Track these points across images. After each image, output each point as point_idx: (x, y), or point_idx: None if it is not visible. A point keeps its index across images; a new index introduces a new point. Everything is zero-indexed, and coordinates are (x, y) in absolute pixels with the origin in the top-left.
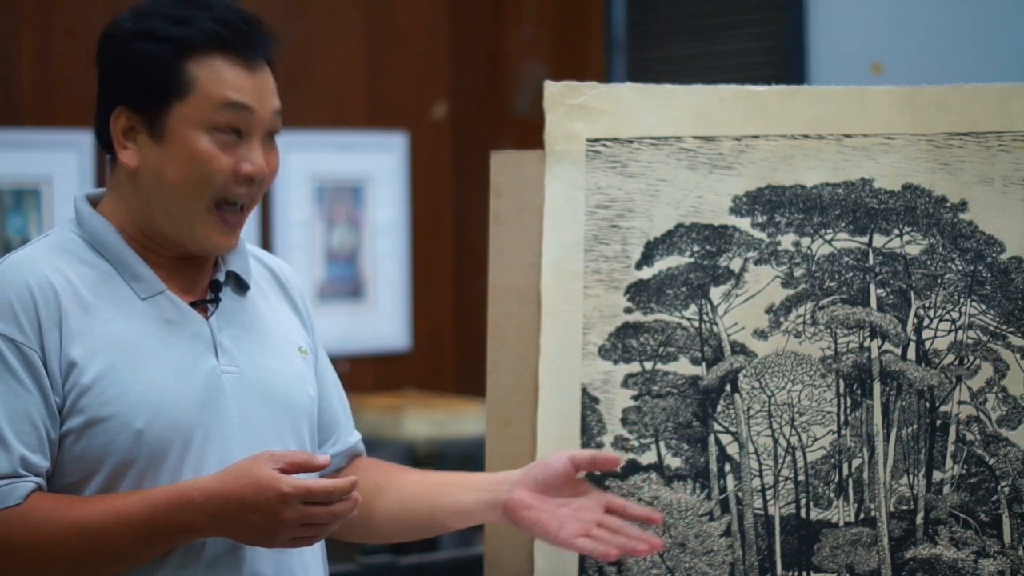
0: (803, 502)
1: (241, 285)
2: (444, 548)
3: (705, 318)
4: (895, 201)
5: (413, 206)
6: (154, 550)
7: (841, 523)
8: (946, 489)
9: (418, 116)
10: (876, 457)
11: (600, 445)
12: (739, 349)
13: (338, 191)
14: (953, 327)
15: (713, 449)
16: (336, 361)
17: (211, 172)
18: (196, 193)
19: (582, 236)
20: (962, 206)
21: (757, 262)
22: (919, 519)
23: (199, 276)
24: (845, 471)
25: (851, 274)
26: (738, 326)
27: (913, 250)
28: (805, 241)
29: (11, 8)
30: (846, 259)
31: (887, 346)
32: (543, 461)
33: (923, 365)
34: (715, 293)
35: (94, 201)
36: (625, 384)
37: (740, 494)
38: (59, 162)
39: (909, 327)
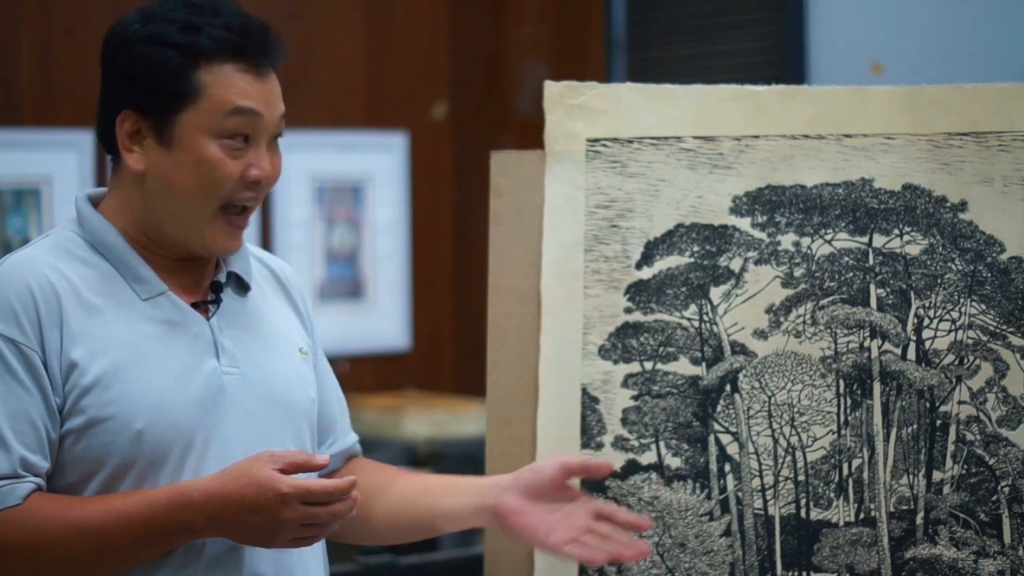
0: (803, 502)
1: (242, 286)
2: (444, 548)
3: (705, 318)
4: (895, 201)
5: (413, 206)
6: (154, 550)
7: (841, 523)
8: (946, 489)
9: (418, 116)
10: (876, 457)
11: (600, 445)
12: (739, 349)
13: (338, 191)
14: (953, 327)
15: (713, 449)
16: (336, 361)
17: (220, 178)
18: (204, 198)
19: (582, 236)
20: (962, 206)
21: (757, 262)
22: (919, 519)
23: (200, 277)
24: (845, 471)
25: (851, 274)
26: (738, 326)
27: (913, 250)
28: (805, 241)
29: (11, 8)
30: (846, 259)
31: (887, 346)
32: (534, 466)
33: (923, 365)
34: (715, 293)
35: (95, 201)
36: (625, 384)
37: (740, 494)
38: (59, 162)
39: (909, 327)
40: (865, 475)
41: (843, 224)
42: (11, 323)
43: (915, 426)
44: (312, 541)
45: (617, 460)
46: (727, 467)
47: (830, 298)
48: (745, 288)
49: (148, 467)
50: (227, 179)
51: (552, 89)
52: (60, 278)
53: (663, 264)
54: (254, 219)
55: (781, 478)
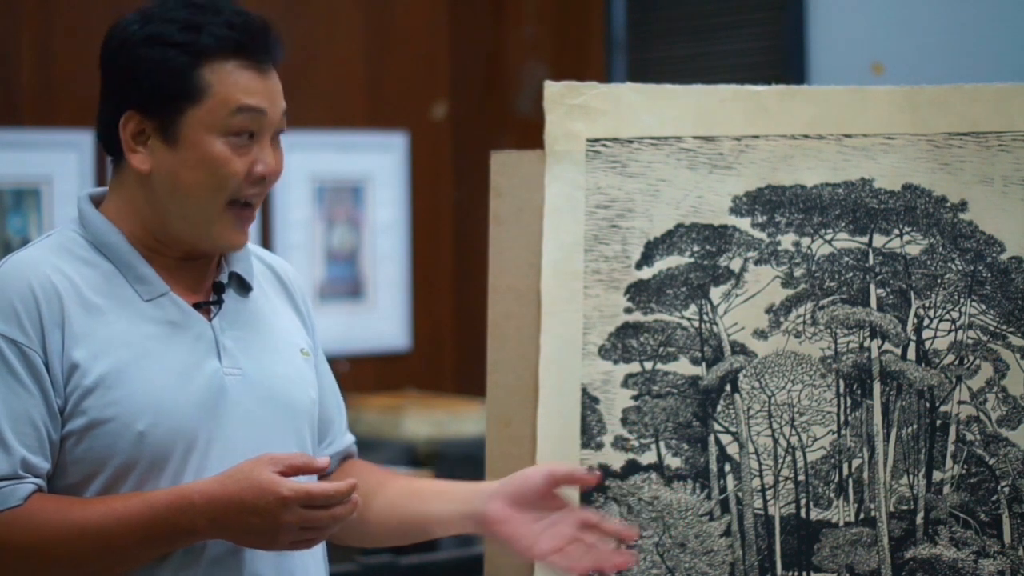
0: (803, 502)
1: (244, 286)
2: (444, 548)
3: (705, 318)
4: (895, 201)
5: (413, 206)
6: (154, 551)
7: (841, 523)
8: (946, 489)
9: (418, 116)
10: (876, 457)
11: (600, 445)
12: (739, 349)
13: (338, 191)
14: (953, 327)
15: (713, 449)
16: (336, 361)
17: (226, 175)
18: (212, 195)
19: (582, 236)
20: (962, 206)
21: (757, 262)
22: (919, 519)
23: (202, 277)
24: (845, 471)
25: (851, 274)
26: (738, 326)
27: (913, 250)
28: (805, 241)
29: (11, 8)
30: (846, 259)
31: (887, 346)
32: (521, 474)
33: (923, 365)
34: (715, 293)
35: (96, 201)
36: (625, 384)
37: (740, 494)
38: (59, 162)
39: (909, 327)
40: (865, 475)
41: (843, 224)
42: (12, 323)
43: (915, 426)
44: (312, 544)
45: (617, 460)
46: (727, 467)
47: (830, 298)
48: (745, 288)
49: (150, 468)
50: (233, 176)
51: (552, 89)
52: (62, 278)
53: (663, 264)
54: (254, 219)
55: (781, 478)
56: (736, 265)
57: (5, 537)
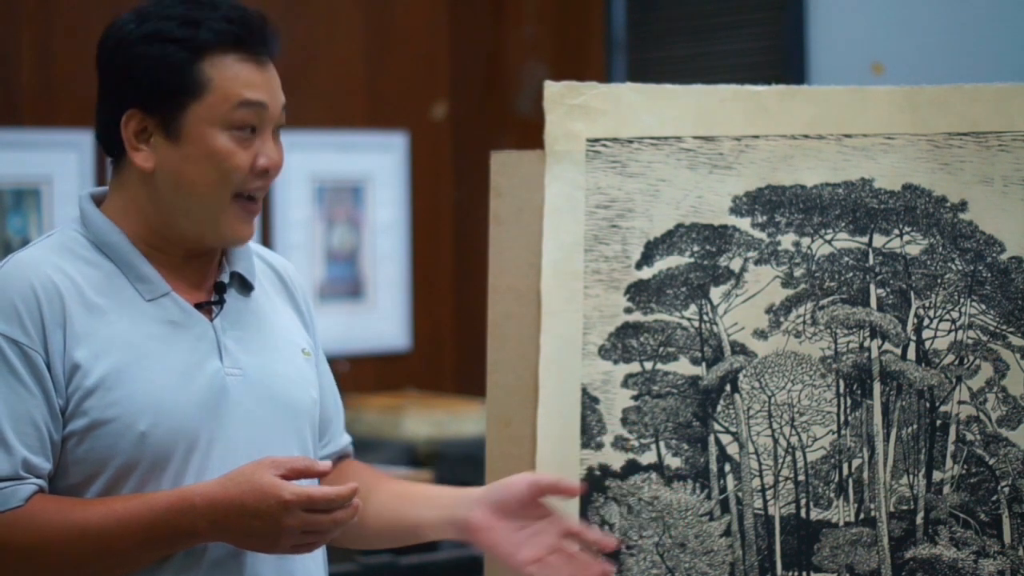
0: (803, 502)
1: (245, 285)
2: (444, 548)
3: (705, 318)
4: (895, 201)
5: (413, 206)
6: (154, 553)
7: (841, 523)
8: (946, 489)
9: (418, 116)
10: (876, 457)
11: (600, 445)
12: (739, 349)
13: (338, 191)
14: (953, 327)
15: (713, 449)
16: (336, 361)
17: (231, 169)
18: (217, 190)
19: (582, 236)
20: (962, 206)
21: (757, 262)
22: (919, 519)
23: (204, 277)
24: (845, 471)
25: (851, 274)
26: (738, 326)
27: (913, 250)
28: (805, 241)
29: (11, 8)
30: (846, 259)
31: (887, 346)
32: (505, 482)
33: (923, 365)
34: (715, 293)
35: (97, 200)
36: (625, 384)
37: (740, 494)
38: (59, 162)
39: (909, 327)
40: (865, 475)
41: (843, 224)
42: (14, 324)
43: (915, 426)
44: (313, 548)
45: (617, 460)
46: (727, 467)
47: (830, 298)
48: (745, 288)
49: (151, 468)
50: (238, 169)
51: (552, 89)
52: (64, 278)
53: (663, 264)
54: (259, 212)
55: (781, 478)
56: (736, 265)
57: (6, 538)
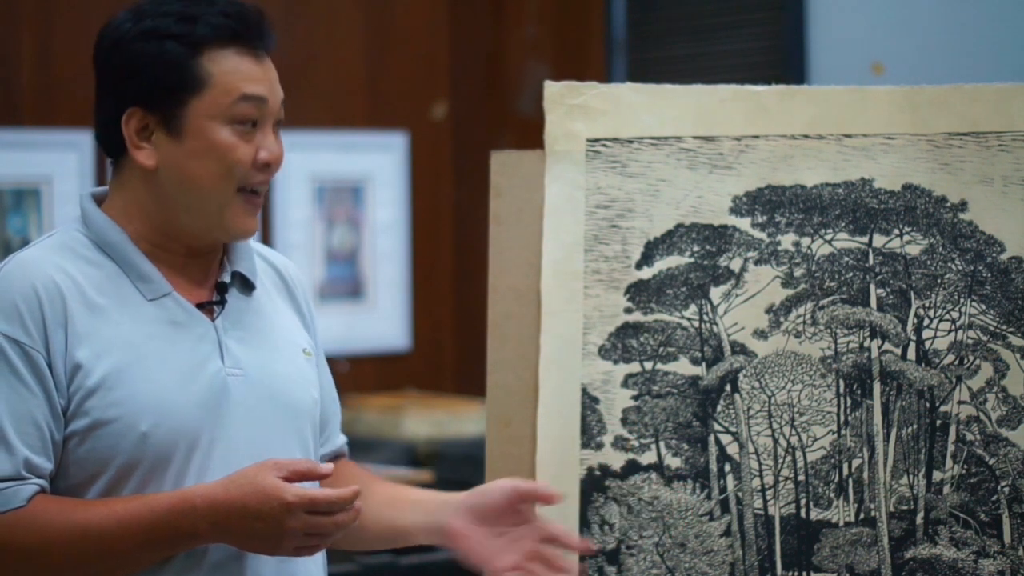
0: (803, 502)
1: (247, 285)
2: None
3: (705, 318)
4: (895, 201)
5: (413, 206)
6: (155, 555)
7: (841, 523)
8: (946, 489)
9: (418, 116)
10: (876, 457)
11: (600, 445)
12: (739, 349)
13: (338, 191)
14: (953, 327)
15: (713, 449)
16: (336, 361)
17: (234, 162)
18: (221, 184)
19: (582, 236)
20: (962, 206)
21: (757, 262)
22: (919, 519)
23: (206, 276)
24: (845, 471)
25: (851, 274)
26: (738, 326)
27: (913, 250)
28: (805, 241)
29: (11, 8)
30: (846, 259)
31: (887, 346)
32: (483, 488)
33: (923, 365)
34: (715, 293)
35: (98, 200)
36: (625, 384)
37: (740, 494)
38: (59, 162)
39: (909, 327)
40: (865, 475)
41: (843, 224)
42: (15, 324)
43: (915, 426)
44: (315, 551)
45: (617, 460)
46: (727, 467)
47: (830, 298)
48: (745, 288)
49: (152, 468)
50: (241, 163)
51: (552, 89)
52: (65, 278)
53: (663, 264)
54: (262, 206)
55: (781, 478)
56: (736, 265)
57: (8, 538)
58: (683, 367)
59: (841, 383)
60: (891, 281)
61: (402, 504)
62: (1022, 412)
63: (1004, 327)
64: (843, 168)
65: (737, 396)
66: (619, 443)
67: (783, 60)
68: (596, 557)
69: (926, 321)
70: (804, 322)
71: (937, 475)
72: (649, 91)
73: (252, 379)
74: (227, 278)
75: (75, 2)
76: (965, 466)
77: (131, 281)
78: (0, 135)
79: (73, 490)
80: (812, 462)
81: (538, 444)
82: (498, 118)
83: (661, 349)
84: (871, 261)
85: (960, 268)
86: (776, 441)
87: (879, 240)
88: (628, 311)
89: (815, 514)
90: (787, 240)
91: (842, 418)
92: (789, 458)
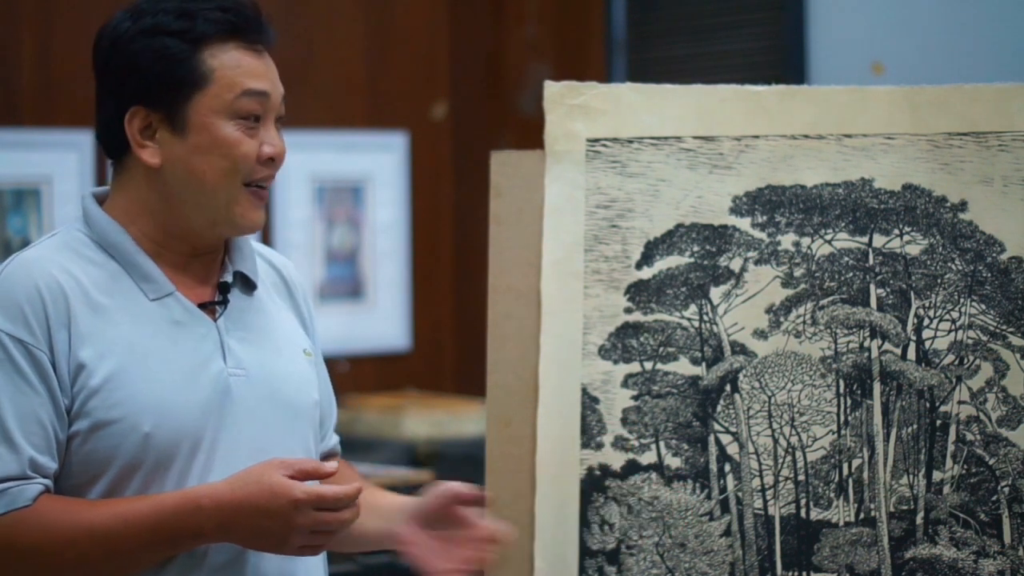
0: (803, 502)
1: (248, 285)
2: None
3: (705, 318)
4: (895, 201)
5: (413, 206)
6: (160, 555)
7: (841, 523)
8: (946, 489)
9: (418, 116)
10: (876, 457)
11: (600, 445)
12: (739, 349)
13: (338, 191)
14: (953, 327)
15: (713, 449)
16: (336, 361)
17: (239, 157)
18: (227, 178)
19: (582, 236)
20: (962, 206)
21: (757, 262)
22: (919, 519)
23: (208, 276)
24: (845, 471)
25: (851, 274)
26: (738, 326)
27: (913, 250)
28: (805, 241)
29: (11, 8)
30: (846, 259)
31: (887, 346)
32: (426, 494)
33: (923, 365)
34: (715, 293)
35: (99, 200)
36: (625, 384)
37: (740, 494)
38: (59, 162)
39: (909, 327)
40: (865, 475)
41: (843, 224)
42: (19, 323)
43: (915, 426)
44: (319, 550)
45: (617, 460)
46: (727, 467)
47: (830, 298)
48: (745, 288)
49: (155, 468)
50: (246, 158)
51: (552, 89)
52: (68, 278)
53: (663, 264)
54: (267, 200)
55: (781, 478)
56: (736, 265)
57: (13, 538)
58: (683, 367)
59: (841, 383)
60: (891, 281)
61: (375, 509)
62: (1022, 412)
63: (1004, 327)
64: (843, 168)
65: (737, 396)
66: (619, 443)
67: (783, 60)
68: (596, 557)
69: (926, 321)
70: (804, 322)
71: (937, 475)
72: (649, 91)
73: (254, 379)
74: (229, 278)
75: (75, 2)
76: (965, 466)
77: (134, 281)
78: (0, 135)
79: (75, 490)
80: (812, 462)
81: (538, 444)
82: (498, 118)
83: (661, 349)
84: (871, 261)
85: (960, 268)
86: (776, 441)
87: (879, 240)
88: (628, 311)
89: (815, 514)
90: (787, 240)
91: (842, 418)
92: (789, 458)
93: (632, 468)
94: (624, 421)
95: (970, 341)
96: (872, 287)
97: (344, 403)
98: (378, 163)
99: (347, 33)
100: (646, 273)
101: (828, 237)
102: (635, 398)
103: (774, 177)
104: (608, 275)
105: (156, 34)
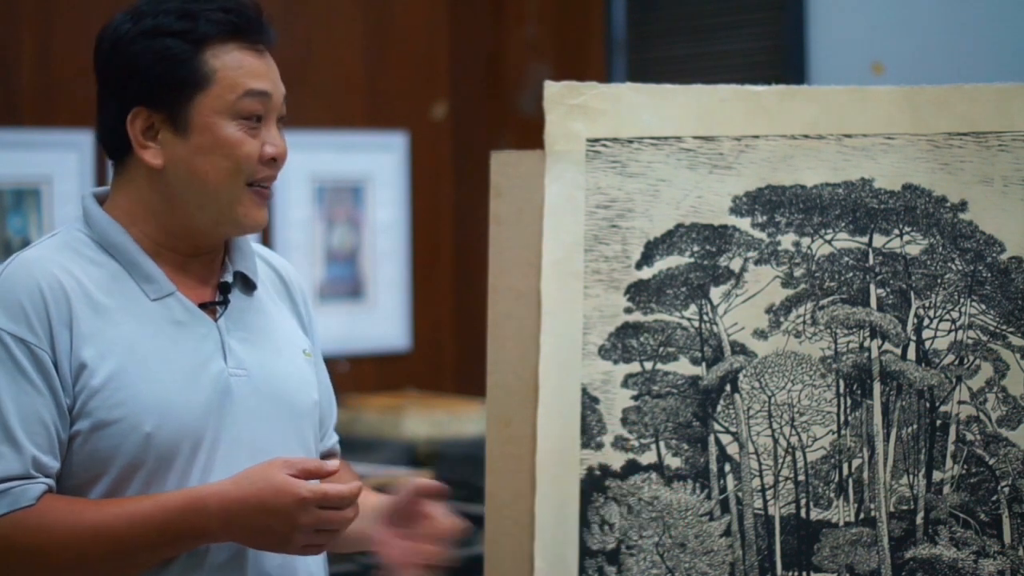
0: (803, 502)
1: (249, 285)
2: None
3: (705, 318)
4: (895, 201)
5: (413, 206)
6: (162, 554)
7: (841, 523)
8: (946, 489)
9: (418, 116)
10: (876, 457)
11: (600, 445)
12: (739, 349)
13: (338, 191)
14: (953, 327)
15: (713, 449)
16: (336, 361)
17: (242, 157)
18: (230, 178)
19: (582, 236)
20: (962, 206)
21: (757, 262)
22: (919, 519)
23: (208, 276)
24: (845, 471)
25: (851, 274)
26: (738, 326)
27: (913, 250)
28: (805, 241)
29: (11, 8)
30: (846, 259)
31: (887, 346)
32: (395, 493)
33: (923, 365)
34: (715, 293)
35: (99, 200)
36: (625, 384)
37: (740, 494)
38: (59, 162)
39: (909, 327)
40: (865, 475)
41: (843, 224)
42: (21, 323)
43: (915, 426)
44: (322, 549)
45: (617, 460)
46: (727, 467)
47: (830, 298)
48: (745, 288)
49: (156, 468)
50: (248, 158)
51: (552, 89)
52: (69, 278)
53: (663, 264)
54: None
55: (781, 478)
56: (736, 265)
57: (15, 537)
58: (683, 367)
59: (841, 383)
60: (891, 281)
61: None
62: (1022, 412)
63: (1004, 327)
64: (843, 168)
65: (737, 396)
66: (619, 443)
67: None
68: (596, 557)
69: (926, 321)
70: (804, 322)
71: (937, 475)
72: (649, 91)
73: (255, 379)
74: (229, 278)
75: (75, 2)
76: (965, 466)
77: (135, 281)
78: (0, 135)
79: (76, 490)
80: (812, 462)
81: (538, 444)
82: (498, 118)
83: (661, 349)
84: (871, 261)
85: (960, 268)
86: (776, 441)
87: (879, 240)
88: (628, 311)
89: (815, 514)
90: (787, 240)
91: (842, 418)
92: (789, 458)
93: (632, 468)
94: (624, 421)
95: (970, 341)
96: (872, 287)
97: (344, 403)
98: (378, 163)
99: (346, 33)
100: (646, 273)
101: (828, 237)
102: (635, 398)
103: (774, 177)
104: (608, 275)
105: (157, 35)
